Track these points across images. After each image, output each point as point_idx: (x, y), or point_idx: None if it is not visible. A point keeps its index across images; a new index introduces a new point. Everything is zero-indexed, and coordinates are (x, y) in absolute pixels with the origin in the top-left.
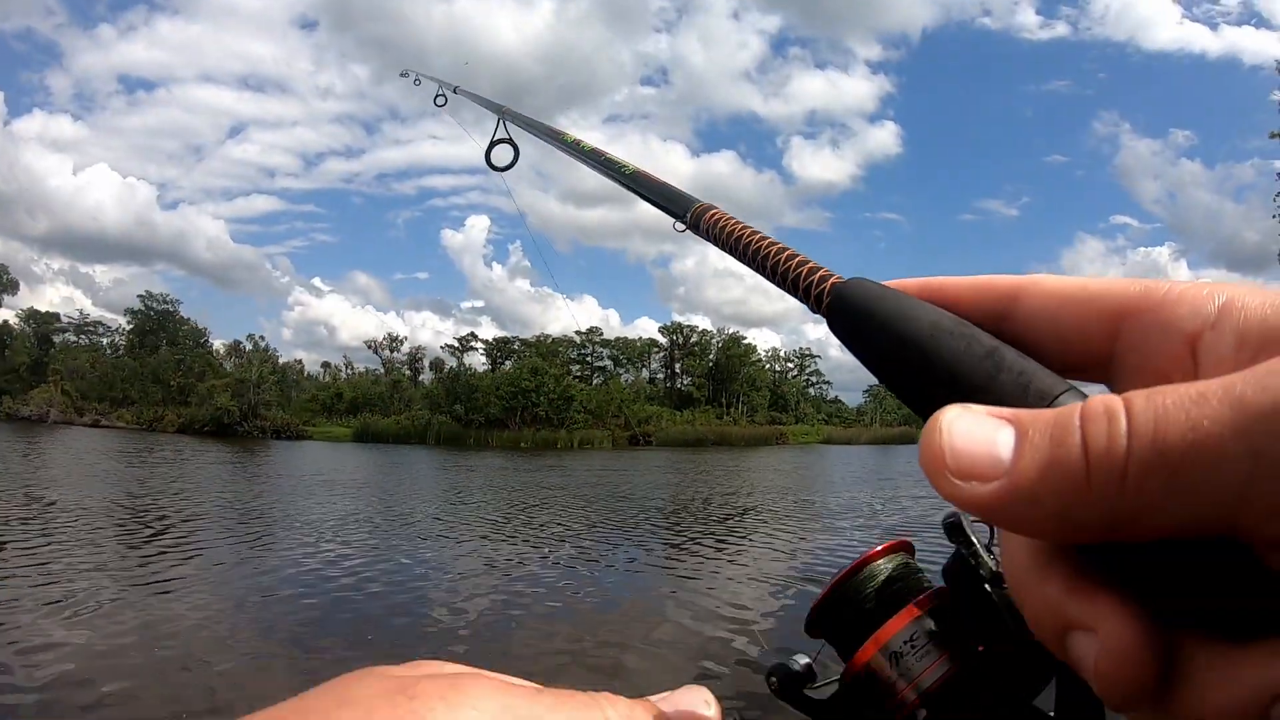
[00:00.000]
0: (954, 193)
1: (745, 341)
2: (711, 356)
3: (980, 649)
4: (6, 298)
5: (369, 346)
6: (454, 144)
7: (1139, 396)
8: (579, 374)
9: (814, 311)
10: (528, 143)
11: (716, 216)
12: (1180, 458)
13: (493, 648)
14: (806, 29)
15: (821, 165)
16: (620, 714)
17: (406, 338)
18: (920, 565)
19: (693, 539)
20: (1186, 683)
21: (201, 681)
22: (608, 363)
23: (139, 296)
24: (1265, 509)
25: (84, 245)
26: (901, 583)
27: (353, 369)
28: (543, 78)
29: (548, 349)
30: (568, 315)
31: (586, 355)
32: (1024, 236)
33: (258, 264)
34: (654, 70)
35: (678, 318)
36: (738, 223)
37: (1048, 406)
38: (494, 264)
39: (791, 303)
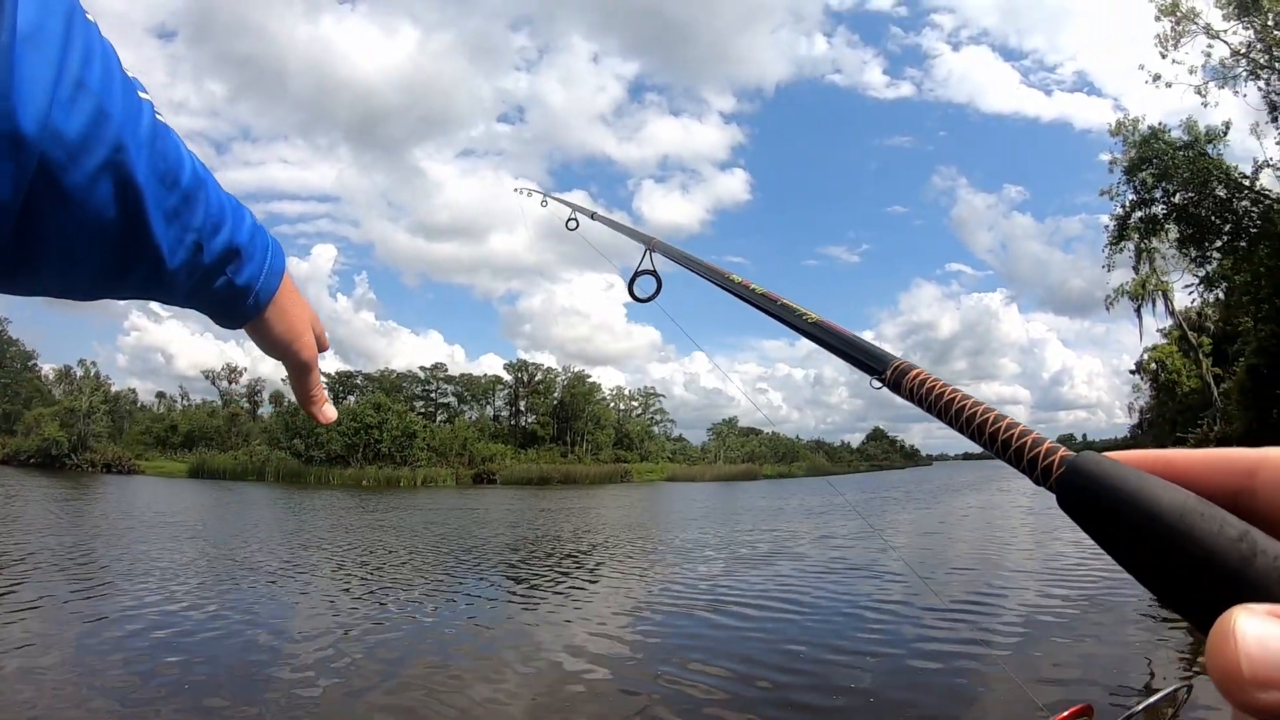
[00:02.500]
0: (799, 239)
1: (590, 380)
2: (556, 394)
3: None
4: None
5: (206, 377)
6: (304, 169)
7: None
8: (423, 410)
9: (1038, 484)
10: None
11: (920, 376)
12: None
13: (337, 700)
14: (664, 76)
15: (671, 208)
16: None
17: (246, 369)
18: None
19: (540, 578)
20: None
21: None
22: (452, 399)
23: None
24: None
25: None
26: None
27: (189, 400)
28: (401, 107)
29: (392, 384)
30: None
31: (431, 391)
32: (864, 281)
33: None
34: (512, 107)
35: (523, 355)
36: (944, 384)
37: None
38: (339, 295)
39: (637, 341)
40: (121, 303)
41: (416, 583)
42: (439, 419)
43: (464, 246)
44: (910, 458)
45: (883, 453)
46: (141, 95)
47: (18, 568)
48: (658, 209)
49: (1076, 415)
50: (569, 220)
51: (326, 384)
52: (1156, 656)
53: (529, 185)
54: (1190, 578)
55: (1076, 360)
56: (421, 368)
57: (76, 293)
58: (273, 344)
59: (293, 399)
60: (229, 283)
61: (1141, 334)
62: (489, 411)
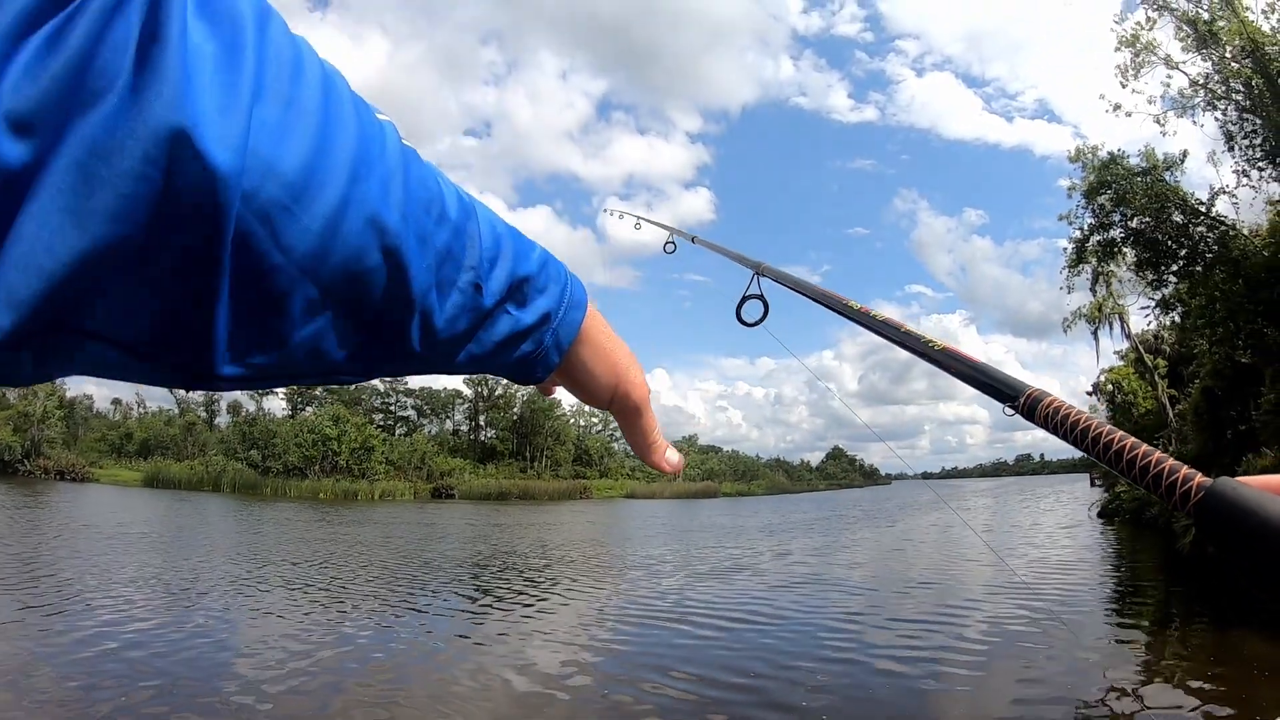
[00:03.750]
0: (760, 258)
1: (551, 396)
2: (516, 410)
3: None
4: None
5: None
6: None
7: None
8: (382, 423)
9: (1175, 509)
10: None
11: (1055, 404)
12: None
13: (287, 716)
14: (632, 95)
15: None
16: None
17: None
18: None
19: (496, 593)
20: None
21: None
22: (412, 413)
23: None
24: None
25: None
26: None
27: (145, 408)
28: None
29: (351, 397)
30: None
31: (390, 404)
32: None
33: None
34: (478, 122)
35: None
36: (1081, 412)
37: None
38: None
39: None
40: None
41: (372, 597)
42: (398, 432)
43: None
44: (869, 476)
45: (842, 471)
46: (380, 116)
47: None
48: (621, 227)
49: (1034, 436)
50: (667, 243)
51: (284, 394)
52: (1113, 669)
53: (621, 207)
54: None
55: (1034, 381)
56: (381, 380)
57: (340, 373)
58: (594, 390)
59: (250, 408)
60: (517, 322)
61: (1099, 356)
62: (448, 425)
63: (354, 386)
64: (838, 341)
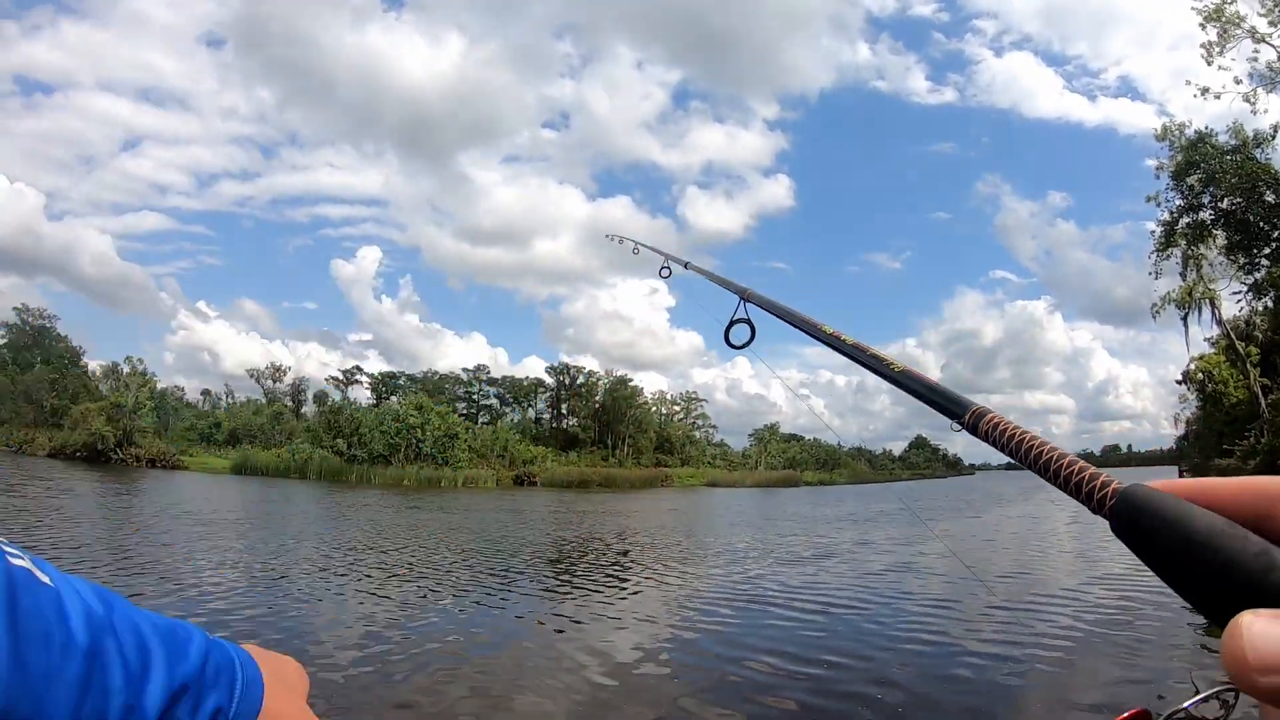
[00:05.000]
0: (841, 245)
1: (632, 383)
2: (598, 398)
3: None
4: None
5: (251, 375)
6: (351, 174)
7: None
8: (465, 412)
9: (1095, 512)
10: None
11: (994, 420)
12: None
13: (369, 698)
14: (708, 84)
15: (715, 214)
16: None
17: (290, 368)
18: None
19: (578, 579)
20: None
21: None
22: (494, 401)
23: (15, 309)
24: None
25: None
26: None
27: (234, 398)
28: (447, 114)
29: (435, 385)
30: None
31: (473, 393)
32: (907, 288)
33: (143, 284)
34: (556, 114)
35: (566, 358)
36: (1015, 426)
37: None
38: (384, 297)
39: (680, 347)
40: (170, 300)
41: (454, 582)
42: (481, 420)
43: (508, 252)
44: (953, 466)
45: (925, 461)
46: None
47: (64, 559)
48: (702, 215)
49: (1121, 426)
50: (662, 269)
51: (369, 383)
52: (1203, 662)
53: (621, 234)
54: (1217, 588)
55: (1122, 370)
56: (465, 369)
57: None
58: None
59: (336, 397)
60: None
61: (1188, 343)
62: (530, 414)
63: (437, 375)
64: (920, 329)
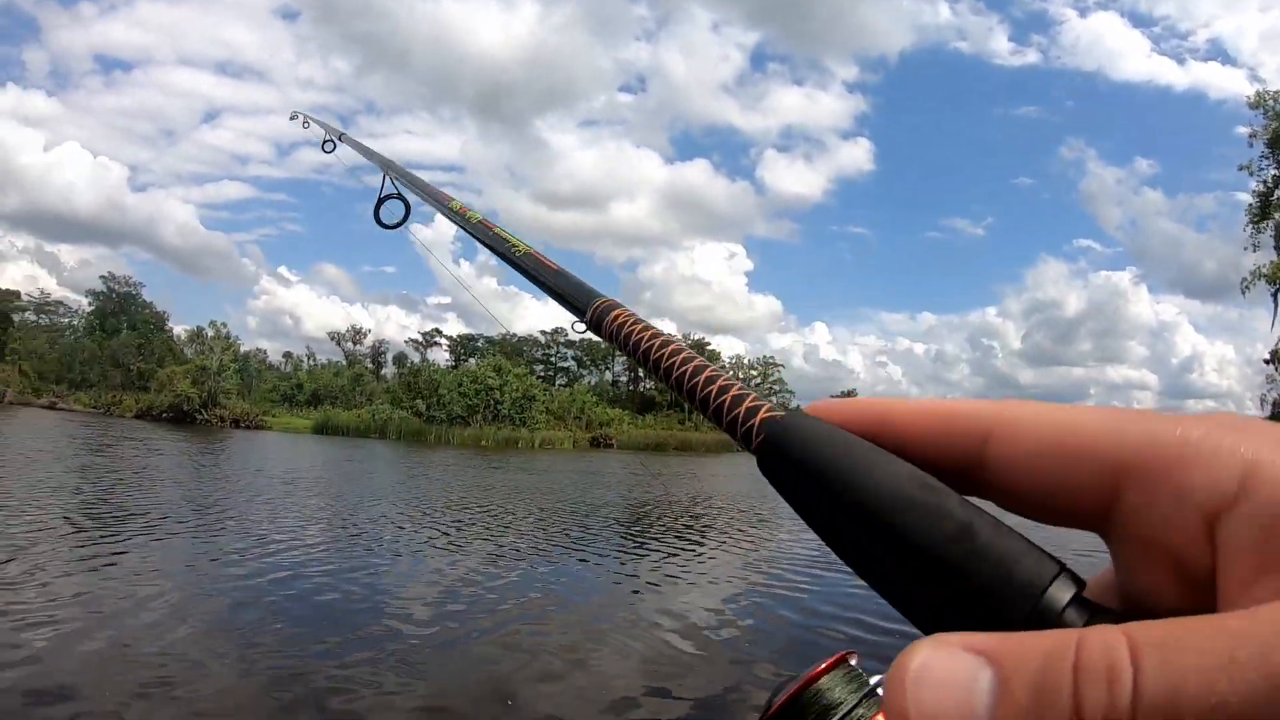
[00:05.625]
0: (922, 210)
1: (710, 347)
2: None
3: None
4: None
5: (332, 338)
6: (428, 140)
7: (1151, 650)
8: (542, 374)
9: (744, 448)
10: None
11: (622, 318)
12: None
13: (447, 654)
14: (786, 46)
15: (794, 178)
16: None
17: (370, 330)
18: (863, 670)
19: (653, 541)
20: None
21: (136, 671)
22: (572, 364)
23: (101, 278)
24: None
25: (52, 224)
26: (845, 706)
27: (315, 360)
28: (523, 81)
29: (513, 348)
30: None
31: (551, 356)
32: (988, 256)
33: (226, 251)
34: (632, 78)
35: None
36: (650, 329)
37: (1036, 604)
38: (462, 261)
39: (759, 311)
40: (252, 266)
41: (533, 541)
42: (558, 383)
43: (585, 215)
44: None
45: None
46: None
47: (151, 516)
48: (781, 179)
49: (1206, 405)
50: (325, 142)
51: (448, 345)
52: None
53: (305, 113)
54: (906, 580)
55: (1208, 346)
56: (542, 332)
57: None
58: None
59: (415, 359)
60: None
61: (1276, 320)
62: (608, 376)
63: (515, 338)
64: (1001, 298)
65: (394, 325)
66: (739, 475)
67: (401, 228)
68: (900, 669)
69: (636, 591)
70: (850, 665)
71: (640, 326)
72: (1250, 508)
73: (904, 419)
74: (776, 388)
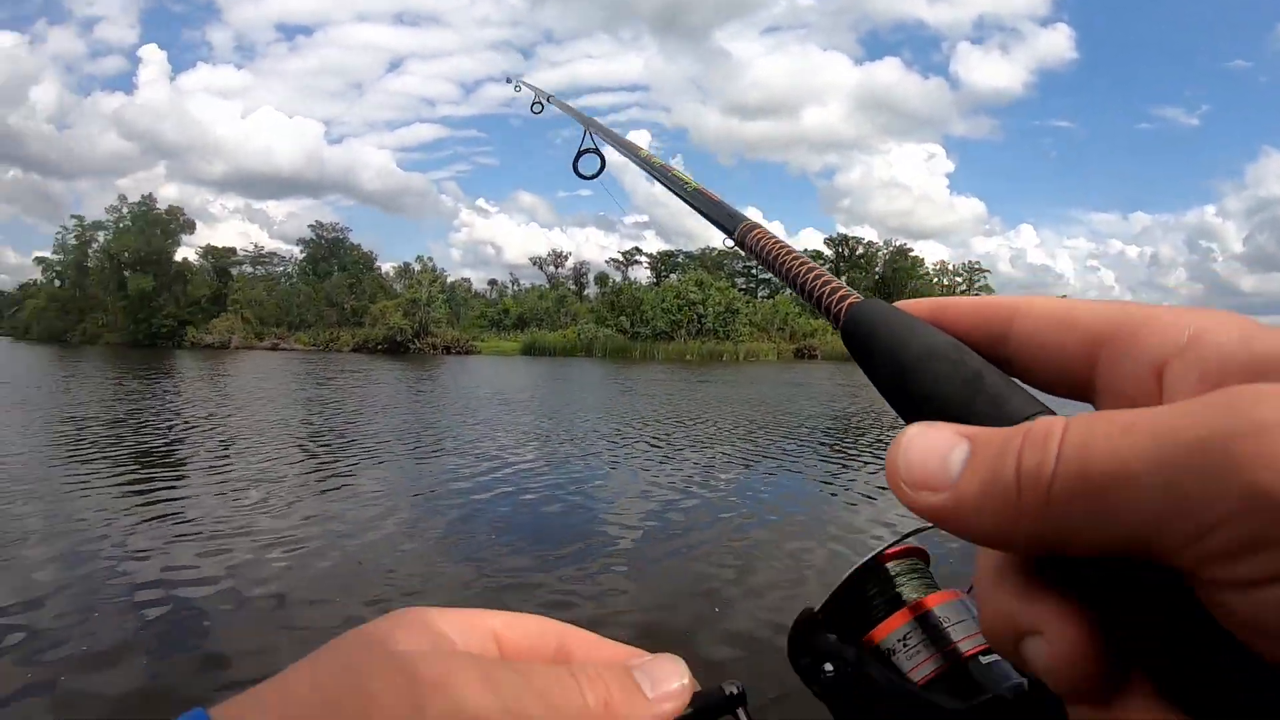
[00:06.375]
0: (1130, 99)
1: (912, 254)
2: (878, 269)
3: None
4: (184, 237)
5: (534, 263)
6: (610, 62)
7: (1078, 422)
8: (744, 287)
9: (834, 328)
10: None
11: (759, 235)
12: (1101, 484)
13: (661, 562)
14: None
15: (990, 71)
16: (593, 686)
17: (571, 253)
18: (933, 572)
19: (866, 454)
20: (1134, 691)
21: (371, 580)
22: (773, 276)
23: (310, 226)
24: (1179, 539)
25: (257, 184)
26: (908, 584)
27: (519, 285)
28: None
29: (713, 261)
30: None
31: (752, 268)
32: (1205, 148)
33: (424, 189)
34: None
35: (842, 229)
36: (779, 243)
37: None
38: (655, 183)
39: (961, 214)
40: (451, 201)
41: (740, 452)
42: (760, 295)
43: (777, 124)
44: None
45: None
46: None
47: (375, 440)
48: (975, 72)
49: None
50: (533, 104)
51: (648, 262)
52: None
53: (520, 80)
54: (928, 411)
55: None
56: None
57: None
58: None
59: (617, 278)
60: None
61: None
62: None
63: (715, 251)
64: (1220, 196)
65: (593, 246)
66: None
67: (597, 178)
68: (898, 438)
69: (852, 504)
70: (922, 559)
71: (773, 241)
72: (1192, 356)
73: (953, 308)
74: (983, 294)
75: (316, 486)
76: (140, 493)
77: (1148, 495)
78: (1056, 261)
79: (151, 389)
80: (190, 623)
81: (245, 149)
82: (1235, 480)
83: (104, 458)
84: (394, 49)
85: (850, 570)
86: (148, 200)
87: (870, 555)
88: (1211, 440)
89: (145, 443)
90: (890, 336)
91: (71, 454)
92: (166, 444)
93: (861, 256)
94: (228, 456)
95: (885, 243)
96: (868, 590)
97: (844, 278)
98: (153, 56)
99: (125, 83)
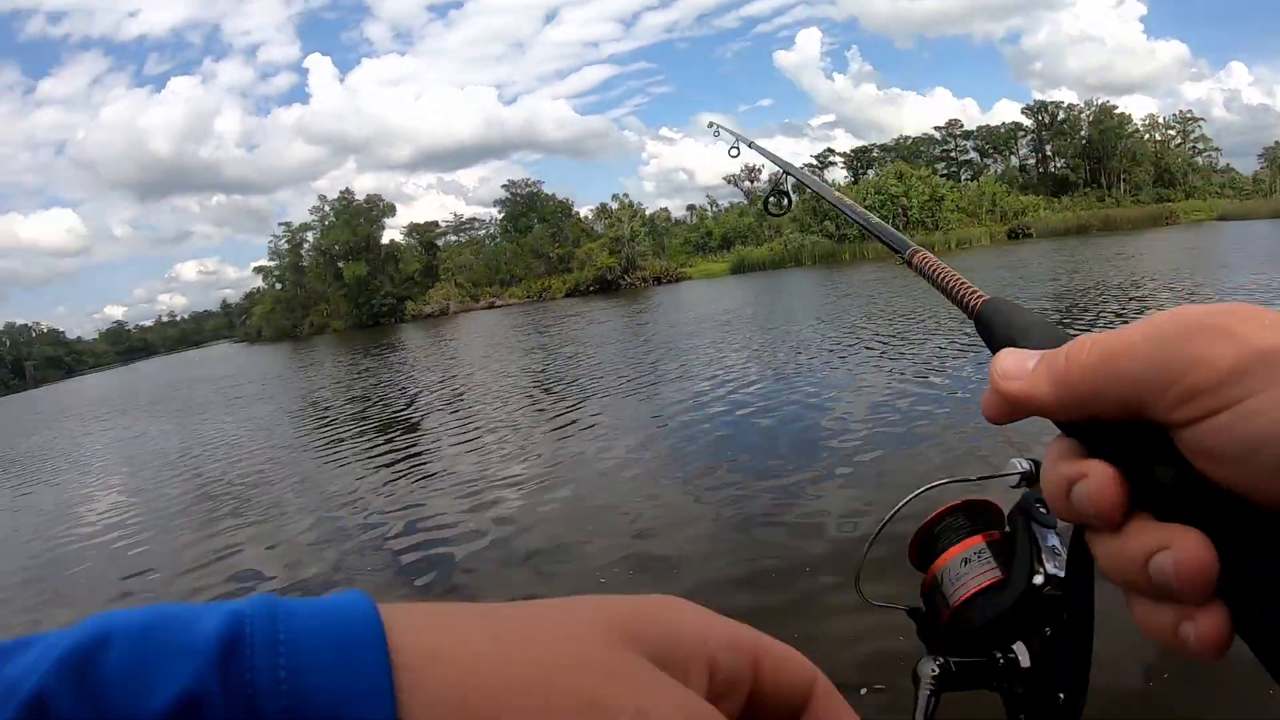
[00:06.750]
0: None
1: (1118, 112)
2: (1083, 133)
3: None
4: (387, 220)
5: (729, 181)
6: None
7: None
8: (945, 172)
9: (969, 318)
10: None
11: (922, 257)
12: (1112, 357)
13: (884, 463)
14: None
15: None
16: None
17: (762, 166)
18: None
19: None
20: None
21: (613, 512)
22: (973, 155)
23: (503, 186)
24: (1155, 394)
25: (445, 157)
26: (979, 522)
27: (718, 207)
28: None
29: (909, 150)
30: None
31: (950, 151)
32: None
33: (605, 130)
34: None
35: (1038, 95)
36: (935, 262)
37: None
38: (834, 75)
39: (1162, 60)
40: (634, 136)
41: (964, 344)
42: (963, 177)
43: None
44: None
45: None
46: None
47: (602, 377)
48: None
49: None
50: (731, 148)
51: (842, 162)
52: None
53: (720, 124)
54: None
55: None
56: (936, 128)
57: None
58: None
59: (814, 188)
60: None
61: None
62: (1014, 162)
63: (909, 140)
64: None
65: (785, 154)
66: (1171, 250)
67: (782, 216)
68: (993, 359)
69: None
70: (994, 511)
71: (931, 261)
72: None
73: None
74: (1200, 146)
75: (549, 424)
76: (388, 455)
77: (1139, 364)
78: (1276, 100)
79: (384, 363)
80: (440, 565)
81: (426, 128)
82: (1181, 352)
83: (354, 428)
84: (545, 2)
85: (924, 521)
86: (347, 195)
87: (940, 509)
88: (1172, 330)
89: (390, 410)
90: (1003, 319)
91: (321, 429)
92: (407, 408)
93: (1064, 122)
94: (464, 412)
95: (1086, 103)
96: (934, 530)
97: (1048, 147)
98: (318, 64)
99: (299, 94)
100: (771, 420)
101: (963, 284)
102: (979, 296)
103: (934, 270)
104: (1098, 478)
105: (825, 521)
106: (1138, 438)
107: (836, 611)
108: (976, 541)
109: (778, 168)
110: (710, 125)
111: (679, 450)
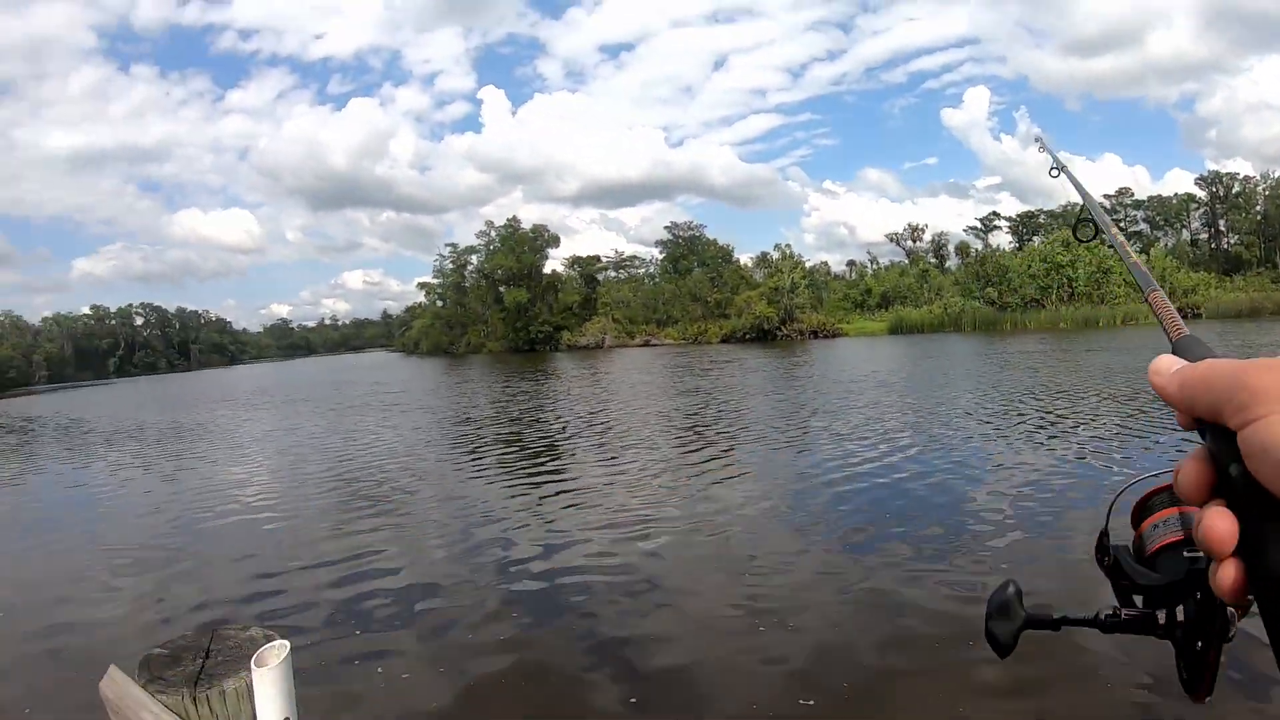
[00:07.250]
0: None
1: None
2: (1259, 207)
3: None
4: (551, 251)
5: (890, 239)
6: (931, 20)
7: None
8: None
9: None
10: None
11: (1155, 296)
12: (1210, 375)
13: (1034, 545)
14: None
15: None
16: None
17: (926, 225)
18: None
19: None
20: None
21: (731, 560)
22: (1142, 226)
23: (665, 227)
24: (1221, 408)
25: (609, 194)
26: (1157, 501)
27: (878, 264)
28: None
29: (1077, 218)
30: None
31: (1119, 220)
32: None
33: (770, 178)
34: None
35: (1211, 165)
36: (1164, 299)
37: None
38: (1002, 136)
39: None
40: (798, 187)
41: (1131, 428)
42: (1133, 248)
43: (1120, 56)
44: None
45: None
46: None
47: (754, 424)
48: None
49: None
50: (1051, 169)
51: (1007, 227)
52: None
53: (1043, 139)
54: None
55: None
56: (1105, 195)
57: None
58: None
59: (978, 246)
60: None
61: None
62: (1185, 236)
63: (1079, 207)
64: None
65: (948, 214)
66: None
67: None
68: (1156, 358)
69: None
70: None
71: (1162, 301)
72: None
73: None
74: None
75: (703, 473)
76: (533, 478)
77: (1222, 381)
78: None
79: (540, 389)
80: (565, 595)
81: (593, 164)
82: (1247, 376)
83: (503, 448)
84: (715, 48)
85: (1148, 490)
86: (513, 222)
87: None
88: (1252, 364)
89: (540, 434)
90: (1189, 347)
91: (471, 445)
92: (562, 435)
93: (1239, 195)
94: (612, 444)
95: (1263, 175)
96: (1149, 501)
97: (1222, 221)
98: (492, 96)
99: (472, 123)
100: (925, 488)
101: (1173, 319)
102: (1180, 331)
103: (1159, 308)
104: (1185, 468)
105: (980, 595)
106: (1220, 438)
107: (980, 688)
108: (1172, 512)
109: (1080, 200)
110: (1036, 140)
111: (829, 509)
